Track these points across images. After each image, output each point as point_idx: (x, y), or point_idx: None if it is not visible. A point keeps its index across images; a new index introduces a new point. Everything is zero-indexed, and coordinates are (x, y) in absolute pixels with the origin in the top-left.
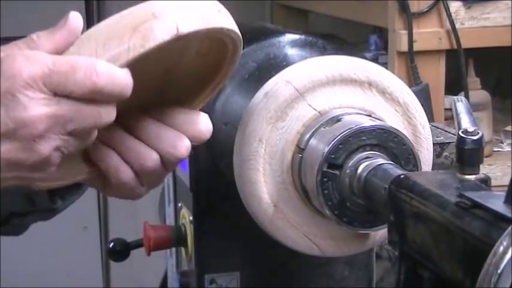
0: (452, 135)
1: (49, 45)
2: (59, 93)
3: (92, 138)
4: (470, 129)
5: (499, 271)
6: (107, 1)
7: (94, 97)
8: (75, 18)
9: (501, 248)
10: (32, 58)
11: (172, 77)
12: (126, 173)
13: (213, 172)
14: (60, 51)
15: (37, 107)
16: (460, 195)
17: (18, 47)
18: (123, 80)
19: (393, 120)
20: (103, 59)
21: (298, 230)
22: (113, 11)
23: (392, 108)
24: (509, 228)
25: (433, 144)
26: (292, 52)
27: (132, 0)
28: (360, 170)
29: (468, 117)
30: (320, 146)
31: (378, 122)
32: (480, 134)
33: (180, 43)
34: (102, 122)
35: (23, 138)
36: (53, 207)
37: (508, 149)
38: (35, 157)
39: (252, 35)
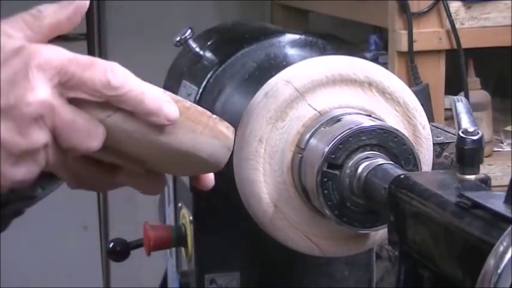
0: (452, 135)
1: (52, 20)
2: (69, 86)
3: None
4: (470, 129)
5: (499, 271)
6: (106, 1)
7: (104, 98)
8: None
9: (501, 248)
10: (55, 48)
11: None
12: None
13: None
14: (62, 29)
15: (44, 92)
16: (460, 195)
17: (23, 20)
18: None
19: (393, 120)
20: None
21: (299, 230)
22: (112, 11)
23: (392, 108)
24: (509, 228)
25: (433, 144)
26: (292, 52)
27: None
28: (360, 170)
29: (468, 117)
30: (320, 146)
31: (378, 122)
32: (480, 134)
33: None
34: (84, 146)
35: (19, 119)
36: (33, 195)
37: (508, 149)
38: (26, 143)
39: (252, 35)
